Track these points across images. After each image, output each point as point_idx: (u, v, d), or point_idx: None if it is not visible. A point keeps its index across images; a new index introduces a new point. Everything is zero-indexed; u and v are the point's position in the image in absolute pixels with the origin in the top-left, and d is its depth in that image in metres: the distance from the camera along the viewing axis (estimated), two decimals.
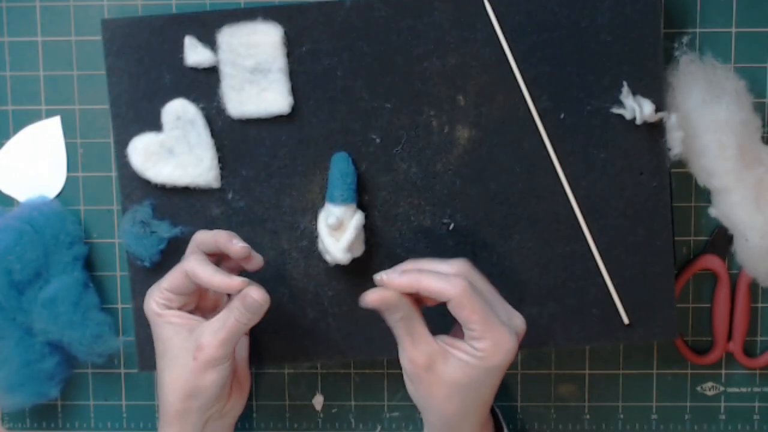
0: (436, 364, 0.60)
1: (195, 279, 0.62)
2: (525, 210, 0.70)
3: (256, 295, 0.61)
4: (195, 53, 0.69)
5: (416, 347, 0.60)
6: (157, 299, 0.64)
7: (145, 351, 0.72)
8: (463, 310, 0.58)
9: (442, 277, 0.59)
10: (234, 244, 0.63)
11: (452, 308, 0.59)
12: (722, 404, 0.76)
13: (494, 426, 0.67)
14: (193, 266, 0.62)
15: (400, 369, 0.76)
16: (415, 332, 0.61)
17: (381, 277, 0.60)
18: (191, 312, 0.66)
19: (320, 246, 0.69)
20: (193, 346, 0.63)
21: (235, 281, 0.61)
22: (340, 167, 0.68)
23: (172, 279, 0.64)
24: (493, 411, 0.68)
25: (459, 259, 0.62)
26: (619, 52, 0.69)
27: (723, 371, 0.76)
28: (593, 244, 0.70)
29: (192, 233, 0.70)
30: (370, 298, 0.60)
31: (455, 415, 0.61)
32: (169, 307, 0.64)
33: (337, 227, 0.67)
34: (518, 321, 0.62)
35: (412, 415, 0.77)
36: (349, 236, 0.67)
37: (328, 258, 0.68)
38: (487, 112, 0.70)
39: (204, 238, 0.65)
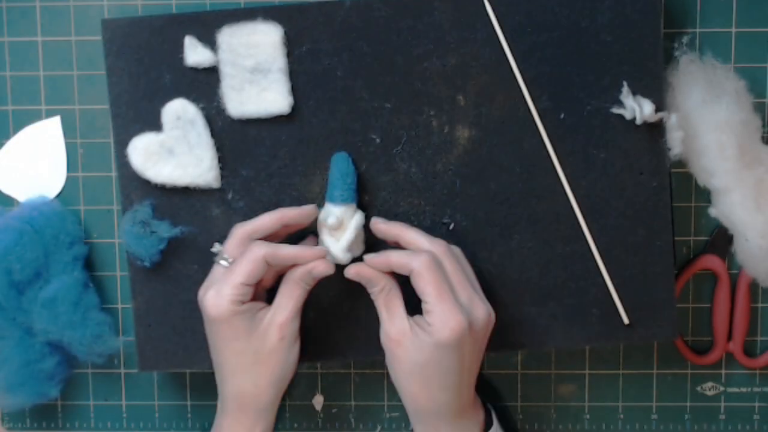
0: (405, 340, 0.63)
1: (278, 260, 0.64)
2: (525, 210, 0.70)
3: (325, 267, 0.65)
4: (195, 53, 0.69)
5: (392, 322, 0.64)
6: (234, 297, 0.63)
7: (145, 351, 0.72)
8: (420, 281, 0.62)
9: (410, 253, 0.64)
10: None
11: (412, 280, 0.63)
12: (722, 404, 0.76)
13: (485, 421, 0.68)
14: (271, 250, 0.63)
15: None
16: (392, 307, 0.65)
17: (373, 222, 0.68)
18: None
19: (320, 246, 0.69)
20: (275, 329, 0.64)
21: (320, 248, 0.66)
22: (340, 167, 0.68)
23: (246, 271, 0.63)
24: (486, 407, 0.69)
25: (438, 240, 0.65)
26: (619, 52, 0.69)
27: (723, 371, 0.76)
28: (593, 244, 0.70)
29: (192, 233, 0.70)
30: (350, 272, 0.66)
31: (419, 396, 0.64)
32: (243, 302, 0.64)
33: (337, 227, 0.67)
34: (480, 311, 0.63)
35: None
36: (349, 236, 0.67)
37: (327, 258, 0.68)
38: (487, 112, 0.70)
39: (262, 224, 0.66)
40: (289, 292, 0.65)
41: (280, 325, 0.64)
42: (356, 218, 0.67)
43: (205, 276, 0.70)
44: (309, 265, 0.65)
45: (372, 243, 0.70)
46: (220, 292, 0.63)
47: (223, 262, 0.65)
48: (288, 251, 0.64)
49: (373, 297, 0.66)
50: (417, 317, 0.64)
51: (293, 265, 0.65)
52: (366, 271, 0.65)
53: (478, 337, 0.64)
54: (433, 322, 0.62)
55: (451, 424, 0.65)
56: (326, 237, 0.67)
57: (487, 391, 0.76)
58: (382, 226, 0.68)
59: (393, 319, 0.64)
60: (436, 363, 0.62)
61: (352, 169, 0.68)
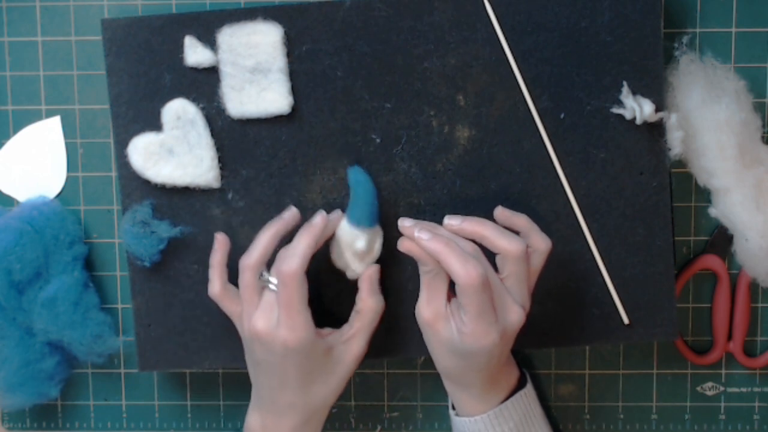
0: (438, 323, 0.64)
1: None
2: (525, 210, 0.70)
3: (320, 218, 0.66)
4: (195, 53, 0.69)
5: (429, 303, 0.65)
6: (309, 325, 0.64)
7: (145, 351, 0.72)
8: (464, 298, 0.61)
9: (462, 258, 0.61)
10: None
11: (457, 289, 0.62)
12: (722, 404, 0.76)
13: (519, 380, 0.69)
14: (302, 261, 0.63)
15: (400, 369, 0.76)
16: (433, 289, 0.65)
17: (414, 232, 0.64)
18: None
19: (337, 261, 0.68)
20: (352, 360, 0.67)
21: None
22: (365, 188, 0.67)
23: (301, 295, 0.64)
24: (521, 370, 0.71)
25: (469, 242, 0.64)
26: (619, 52, 0.69)
27: (723, 371, 0.76)
28: (593, 244, 0.70)
29: (192, 233, 0.70)
30: (403, 245, 0.66)
31: (453, 371, 0.66)
32: (315, 329, 0.65)
33: (368, 252, 0.67)
34: (514, 316, 0.63)
35: (412, 415, 0.77)
36: (375, 256, 0.67)
37: (349, 274, 0.68)
38: (487, 112, 0.70)
39: (264, 248, 0.66)
40: (357, 324, 0.67)
41: (356, 357, 0.67)
42: (380, 238, 0.68)
43: (205, 276, 0.70)
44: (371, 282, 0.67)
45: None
46: (290, 325, 0.63)
47: (272, 287, 0.65)
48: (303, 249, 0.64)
49: (420, 272, 0.66)
50: (456, 306, 0.64)
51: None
52: (418, 253, 0.65)
53: (511, 336, 0.64)
54: (466, 333, 0.62)
55: (482, 387, 0.66)
56: (349, 256, 0.67)
57: None
58: (422, 244, 0.64)
59: (431, 301, 0.65)
60: (467, 357, 0.64)
61: (374, 188, 0.68)
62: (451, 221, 0.66)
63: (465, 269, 0.60)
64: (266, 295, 0.65)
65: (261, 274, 0.65)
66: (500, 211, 0.67)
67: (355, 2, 0.69)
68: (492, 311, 0.61)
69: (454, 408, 0.70)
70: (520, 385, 0.69)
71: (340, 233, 0.67)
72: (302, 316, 0.63)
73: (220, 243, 0.68)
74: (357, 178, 0.68)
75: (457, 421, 0.69)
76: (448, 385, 0.68)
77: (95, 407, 0.77)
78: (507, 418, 0.67)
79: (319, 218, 0.66)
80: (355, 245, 0.66)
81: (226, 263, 0.68)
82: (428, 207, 0.70)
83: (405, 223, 0.66)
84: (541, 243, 0.66)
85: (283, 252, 0.65)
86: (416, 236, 0.64)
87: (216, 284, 0.67)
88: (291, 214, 0.67)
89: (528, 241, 0.65)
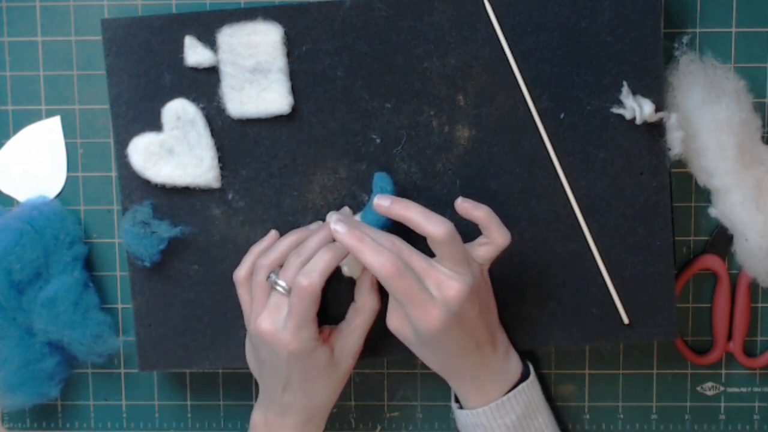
0: (404, 329, 0.65)
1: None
2: (525, 210, 0.70)
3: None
4: (195, 53, 0.69)
5: (392, 314, 0.66)
6: (314, 334, 0.65)
7: (145, 351, 0.72)
8: (389, 289, 0.62)
9: (374, 250, 0.61)
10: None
11: (382, 282, 0.62)
12: (722, 404, 0.76)
13: (522, 373, 0.69)
14: (321, 276, 0.63)
15: (400, 369, 0.76)
16: (393, 299, 0.65)
17: (330, 223, 0.64)
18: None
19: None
20: (349, 358, 0.68)
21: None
22: (387, 192, 0.67)
23: (311, 305, 0.64)
24: (524, 361, 0.70)
25: (390, 235, 0.64)
26: (619, 52, 0.69)
27: (723, 371, 0.76)
28: (593, 244, 0.70)
29: (192, 233, 0.70)
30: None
31: (440, 364, 0.67)
32: (319, 335, 0.66)
33: None
34: (451, 291, 0.62)
35: (412, 415, 0.77)
36: None
37: (345, 270, 0.68)
38: (487, 112, 0.70)
39: (282, 252, 0.67)
40: (356, 322, 0.68)
41: (354, 354, 0.68)
42: None
43: (205, 276, 0.70)
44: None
45: None
46: (296, 333, 0.64)
47: (280, 289, 0.65)
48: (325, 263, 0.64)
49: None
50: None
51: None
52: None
53: (464, 312, 0.63)
54: (412, 320, 0.63)
55: (477, 375, 0.66)
56: (351, 256, 0.66)
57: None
58: (384, 208, 0.65)
59: (393, 311, 0.66)
60: (434, 346, 0.64)
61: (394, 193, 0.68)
62: (381, 201, 0.65)
63: (379, 260, 0.60)
64: (273, 297, 0.65)
65: (270, 275, 0.65)
66: (460, 202, 0.66)
67: (355, 2, 0.69)
68: (419, 293, 0.61)
69: (457, 401, 0.70)
70: (523, 378, 0.69)
71: None
72: (309, 330, 0.64)
73: (271, 237, 0.69)
74: (382, 185, 0.68)
75: (460, 414, 0.69)
76: (448, 380, 0.68)
77: (95, 407, 0.77)
78: (509, 410, 0.67)
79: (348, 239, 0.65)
80: None
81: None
82: (428, 207, 0.70)
83: (331, 218, 0.65)
84: (498, 237, 0.65)
85: (294, 258, 0.65)
86: (332, 228, 0.63)
87: (243, 269, 0.68)
88: (321, 231, 0.66)
89: (487, 234, 0.65)
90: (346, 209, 0.69)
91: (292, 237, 0.67)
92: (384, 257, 0.61)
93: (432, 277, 0.62)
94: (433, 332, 0.62)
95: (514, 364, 0.69)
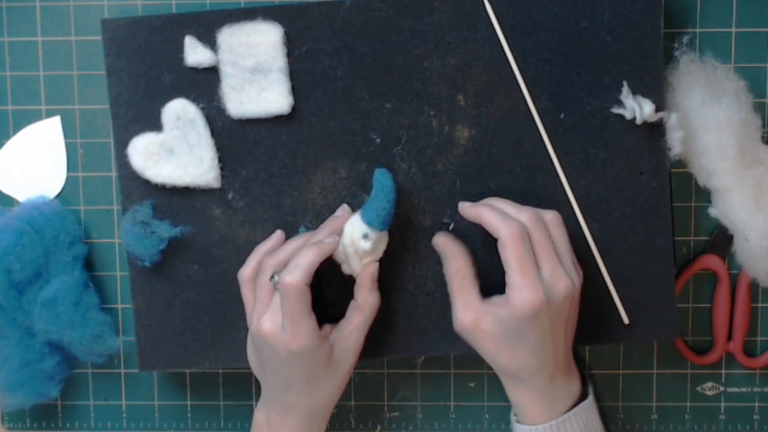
0: (481, 323, 0.65)
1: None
2: None
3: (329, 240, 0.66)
4: (195, 53, 0.69)
5: (465, 307, 0.66)
6: (314, 330, 0.65)
7: (145, 351, 0.72)
8: (505, 251, 0.63)
9: (502, 216, 0.64)
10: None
11: (499, 247, 0.64)
12: (722, 404, 0.76)
13: (581, 392, 0.69)
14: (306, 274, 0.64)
15: (400, 369, 0.76)
16: (465, 292, 0.66)
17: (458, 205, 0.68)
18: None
19: (338, 252, 0.67)
20: (350, 356, 0.68)
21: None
22: (386, 193, 0.66)
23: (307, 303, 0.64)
24: (584, 378, 0.70)
25: (527, 209, 0.66)
26: (619, 52, 0.69)
27: (723, 371, 0.76)
28: (593, 244, 0.70)
29: (192, 233, 0.70)
30: (438, 240, 0.69)
31: (508, 365, 0.66)
32: (320, 333, 0.66)
33: (370, 253, 0.67)
34: (561, 285, 0.64)
35: (412, 415, 0.77)
36: (375, 259, 0.67)
37: (344, 268, 0.68)
38: (487, 112, 0.70)
39: (288, 253, 0.67)
40: (356, 320, 0.67)
41: (355, 352, 0.68)
42: (384, 245, 0.68)
43: (205, 276, 0.70)
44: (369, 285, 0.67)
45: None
46: (294, 332, 0.63)
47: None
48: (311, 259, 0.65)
49: (447, 274, 0.67)
50: (493, 298, 0.65)
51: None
52: (452, 247, 0.67)
53: (559, 310, 0.64)
54: (512, 296, 0.63)
55: (542, 387, 0.66)
56: (351, 251, 0.67)
57: None
58: (469, 211, 0.67)
59: (467, 304, 0.66)
60: (517, 333, 0.64)
61: (396, 196, 0.67)
62: (463, 204, 0.68)
63: (505, 223, 0.63)
64: (276, 298, 0.65)
65: (272, 276, 0.65)
66: (461, 207, 0.68)
67: (355, 2, 0.69)
68: (534, 266, 0.63)
69: (516, 415, 0.69)
70: (582, 396, 0.68)
71: (348, 227, 0.67)
72: (306, 325, 0.64)
73: (277, 237, 0.70)
74: (383, 181, 0.67)
75: (518, 429, 0.68)
76: (509, 387, 0.67)
77: (95, 407, 0.77)
78: (569, 429, 0.66)
79: (332, 240, 0.66)
80: (360, 244, 0.66)
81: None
82: (428, 207, 0.70)
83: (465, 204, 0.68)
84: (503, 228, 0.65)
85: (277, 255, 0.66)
86: (459, 205, 0.67)
87: (248, 269, 0.68)
88: (322, 232, 0.67)
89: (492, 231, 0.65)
90: (345, 207, 0.69)
91: (301, 239, 0.68)
92: (511, 221, 0.63)
93: (548, 263, 0.64)
94: (527, 313, 0.62)
95: (574, 379, 0.68)
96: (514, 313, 0.63)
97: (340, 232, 0.67)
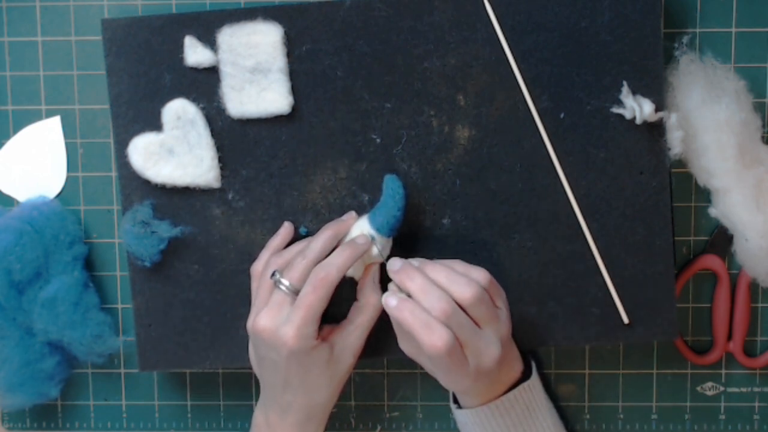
0: (419, 357, 0.66)
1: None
2: (525, 210, 0.70)
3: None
4: (195, 53, 0.69)
5: (403, 342, 0.67)
6: (314, 332, 0.65)
7: (145, 351, 0.72)
8: (432, 360, 0.63)
9: (425, 327, 0.61)
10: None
11: (425, 352, 0.62)
12: (722, 404, 0.76)
13: (522, 372, 0.69)
14: (338, 271, 0.65)
15: (400, 369, 0.77)
16: (401, 330, 0.66)
17: (383, 298, 0.64)
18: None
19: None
20: (350, 356, 0.68)
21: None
22: (396, 200, 0.67)
23: (320, 303, 0.64)
24: (526, 359, 0.70)
25: (460, 278, 0.63)
26: (619, 52, 0.69)
27: (723, 371, 0.76)
28: (593, 243, 0.70)
29: (192, 233, 0.70)
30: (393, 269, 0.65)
31: (448, 383, 0.66)
32: (319, 333, 0.66)
33: (375, 257, 0.67)
34: (487, 359, 0.63)
35: (412, 415, 0.77)
36: (380, 260, 0.67)
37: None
38: (487, 112, 0.70)
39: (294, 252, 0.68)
40: (359, 319, 0.68)
41: (356, 352, 0.68)
42: (389, 249, 0.68)
43: (205, 276, 0.70)
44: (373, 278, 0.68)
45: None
46: (300, 329, 0.63)
47: (282, 288, 0.65)
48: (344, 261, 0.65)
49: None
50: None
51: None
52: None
53: (486, 371, 0.64)
54: (440, 381, 0.66)
55: (477, 389, 0.66)
56: (359, 264, 0.67)
57: None
58: (396, 276, 0.65)
59: (405, 340, 0.66)
60: (440, 368, 0.64)
61: (405, 202, 0.67)
62: (412, 263, 0.65)
63: (430, 339, 0.61)
64: (275, 295, 0.65)
65: (274, 273, 0.65)
66: (389, 266, 0.65)
67: (355, 2, 0.69)
68: (460, 367, 0.62)
69: (456, 401, 0.70)
70: (524, 377, 0.69)
71: (355, 230, 0.67)
72: (311, 327, 0.64)
73: (286, 230, 0.70)
74: (394, 188, 0.67)
75: (459, 414, 0.69)
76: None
77: (95, 407, 0.77)
78: (509, 409, 0.67)
79: (364, 240, 0.66)
80: (373, 252, 0.67)
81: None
82: (428, 207, 0.70)
83: (394, 266, 0.65)
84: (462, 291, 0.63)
85: (299, 259, 0.65)
86: (383, 301, 0.63)
87: (260, 263, 0.69)
88: (324, 233, 0.67)
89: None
90: (353, 213, 0.69)
91: (305, 241, 0.68)
92: (435, 335, 0.60)
93: (474, 344, 0.62)
94: (458, 387, 0.66)
95: (514, 364, 0.69)
96: (429, 355, 0.62)
97: (344, 236, 0.67)
